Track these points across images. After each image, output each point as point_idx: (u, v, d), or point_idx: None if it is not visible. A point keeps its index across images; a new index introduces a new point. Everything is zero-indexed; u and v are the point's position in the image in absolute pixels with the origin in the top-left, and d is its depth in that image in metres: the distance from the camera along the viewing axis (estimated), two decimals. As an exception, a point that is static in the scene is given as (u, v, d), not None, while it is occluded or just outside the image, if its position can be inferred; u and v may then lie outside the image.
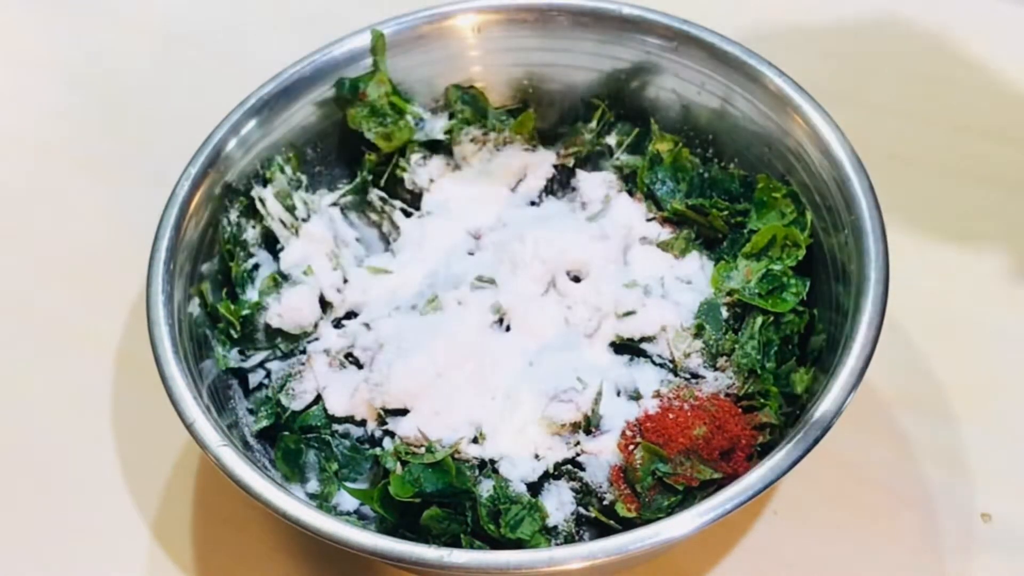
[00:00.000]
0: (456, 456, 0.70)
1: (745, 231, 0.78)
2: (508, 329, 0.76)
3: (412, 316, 0.78)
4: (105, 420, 0.82)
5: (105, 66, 1.09)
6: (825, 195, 0.73)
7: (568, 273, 0.79)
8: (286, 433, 0.74)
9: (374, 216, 0.86)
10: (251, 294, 0.79)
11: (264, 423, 0.75)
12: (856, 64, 0.99)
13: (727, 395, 0.72)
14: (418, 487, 0.68)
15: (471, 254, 0.81)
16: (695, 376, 0.74)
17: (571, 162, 0.86)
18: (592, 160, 0.86)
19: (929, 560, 0.72)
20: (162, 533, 0.77)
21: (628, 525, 0.67)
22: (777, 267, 0.75)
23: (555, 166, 0.86)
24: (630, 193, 0.83)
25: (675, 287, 0.77)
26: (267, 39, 1.07)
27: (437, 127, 0.86)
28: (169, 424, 0.69)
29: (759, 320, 0.74)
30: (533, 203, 0.85)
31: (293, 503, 0.62)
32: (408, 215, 0.85)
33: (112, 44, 1.11)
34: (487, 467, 0.70)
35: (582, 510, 0.70)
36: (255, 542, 0.76)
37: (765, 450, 0.67)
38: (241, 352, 0.77)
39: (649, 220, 0.82)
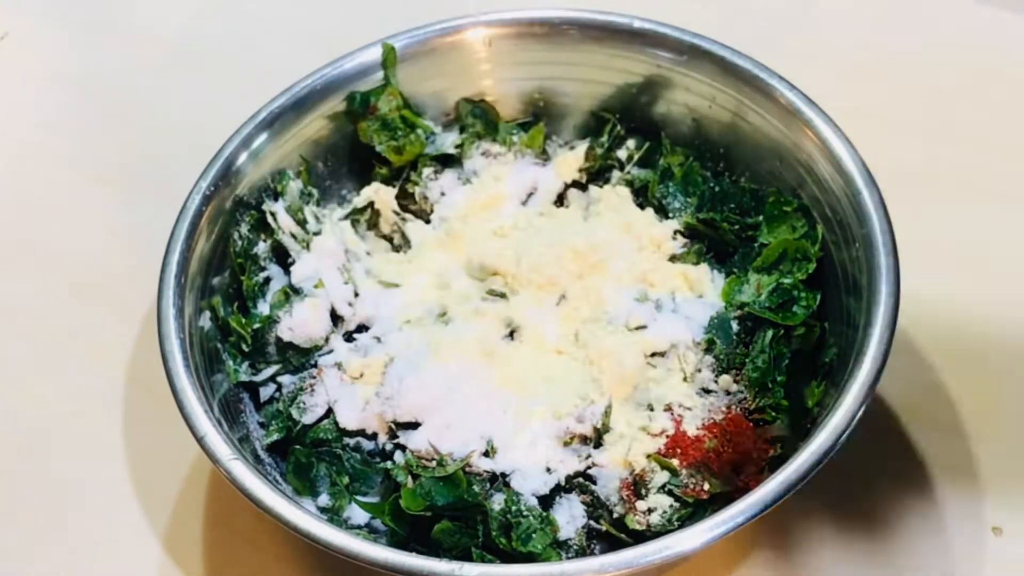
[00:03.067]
0: (467, 469, 0.70)
1: (756, 245, 0.78)
2: (519, 342, 0.76)
3: (423, 329, 0.78)
4: (116, 434, 0.82)
5: (116, 79, 1.09)
6: (836, 208, 0.73)
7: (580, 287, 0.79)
8: (297, 447, 0.74)
9: (385, 230, 0.86)
10: (262, 308, 0.79)
11: (275, 437, 0.75)
12: (867, 77, 0.99)
13: (738, 409, 0.72)
14: (429, 500, 0.68)
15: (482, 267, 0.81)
16: (706, 390, 0.74)
17: (582, 176, 0.86)
18: (603, 174, 0.87)
19: (940, 573, 0.72)
20: (173, 546, 0.77)
21: (639, 538, 0.67)
22: (788, 281, 0.75)
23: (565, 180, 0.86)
24: (641, 207, 0.83)
25: (686, 301, 0.77)
26: (278, 52, 1.07)
27: (448, 141, 0.87)
28: (180, 438, 0.69)
29: (770, 334, 0.74)
30: (543, 216, 0.85)
31: (304, 517, 0.62)
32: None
33: (123, 57, 1.11)
34: (498, 480, 0.70)
35: (593, 523, 0.70)
36: (266, 556, 0.76)
37: (776, 463, 0.67)
38: (252, 366, 0.77)
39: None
